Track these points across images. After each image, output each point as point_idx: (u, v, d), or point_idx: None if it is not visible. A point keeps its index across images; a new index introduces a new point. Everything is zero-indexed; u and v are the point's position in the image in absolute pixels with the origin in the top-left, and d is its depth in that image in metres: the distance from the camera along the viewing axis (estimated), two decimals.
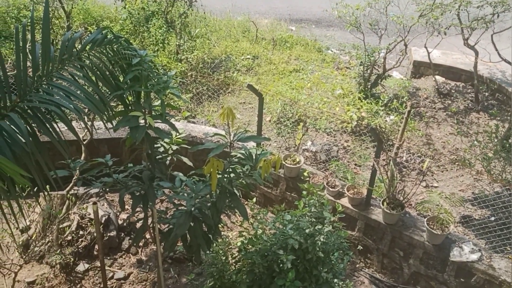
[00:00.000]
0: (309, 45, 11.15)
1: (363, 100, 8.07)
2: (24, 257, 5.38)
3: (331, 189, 5.98)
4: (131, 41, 3.84)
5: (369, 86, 8.62)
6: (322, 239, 4.32)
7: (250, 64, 9.92)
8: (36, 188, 3.29)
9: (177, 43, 9.38)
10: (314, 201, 4.67)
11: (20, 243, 5.53)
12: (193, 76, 8.80)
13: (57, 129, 3.36)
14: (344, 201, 5.99)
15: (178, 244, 4.67)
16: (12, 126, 3.07)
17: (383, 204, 5.65)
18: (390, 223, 5.65)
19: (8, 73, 3.35)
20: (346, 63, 10.42)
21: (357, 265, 6.06)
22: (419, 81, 9.68)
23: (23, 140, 3.07)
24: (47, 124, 3.30)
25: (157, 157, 4.35)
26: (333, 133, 7.88)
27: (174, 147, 4.68)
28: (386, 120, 7.86)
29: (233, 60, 9.99)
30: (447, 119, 8.44)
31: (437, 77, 9.49)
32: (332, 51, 11.21)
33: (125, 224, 6.09)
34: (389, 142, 7.34)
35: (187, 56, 9.21)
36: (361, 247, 5.98)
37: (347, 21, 8.60)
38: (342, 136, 7.85)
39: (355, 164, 7.34)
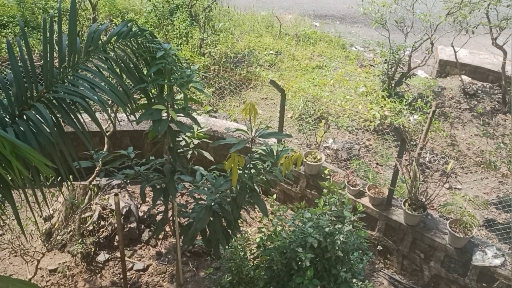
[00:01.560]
0: (333, 41, 11.05)
1: (387, 99, 7.96)
2: (46, 245, 5.47)
3: (352, 188, 5.92)
4: (155, 34, 3.84)
5: (393, 85, 8.50)
6: (341, 238, 4.28)
7: (272, 59, 9.88)
8: (59, 177, 3.33)
9: (201, 37, 9.39)
10: (335, 199, 4.63)
11: (43, 231, 5.62)
12: (215, 70, 8.81)
13: (81, 120, 3.40)
14: (365, 201, 5.92)
15: (197, 238, 4.68)
16: (38, 116, 3.11)
17: (404, 205, 5.57)
18: (411, 225, 5.56)
19: (35, 64, 3.39)
20: (370, 60, 10.29)
21: (376, 266, 5.99)
22: (444, 80, 9.50)
23: (48, 130, 3.11)
24: (71, 115, 3.34)
25: (179, 150, 4.36)
26: (355, 131, 7.80)
27: (196, 141, 4.69)
28: (409, 120, 7.74)
29: (256, 55, 9.96)
30: (472, 120, 8.26)
31: (464, 77, 9.29)
32: (356, 48, 11.09)
33: (145, 216, 6.14)
34: (412, 142, 7.22)
35: (210, 50, 9.22)
36: (381, 248, 5.91)
37: (372, 18, 8.49)
38: (364, 135, 7.77)
39: (377, 163, 7.26)
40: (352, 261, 4.48)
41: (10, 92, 3.21)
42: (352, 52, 10.71)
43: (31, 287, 2.90)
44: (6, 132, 2.76)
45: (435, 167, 7.08)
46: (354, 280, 4.34)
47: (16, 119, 3.16)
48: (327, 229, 4.31)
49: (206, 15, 9.52)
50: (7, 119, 3.14)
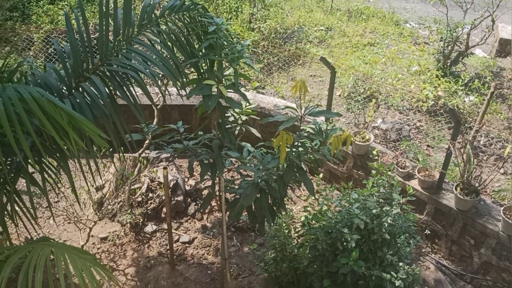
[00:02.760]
0: (386, 17, 10.66)
1: (441, 79, 7.63)
2: (98, 214, 5.68)
3: (400, 169, 5.77)
4: (207, 8, 3.81)
5: (448, 64, 8.14)
6: (389, 221, 4.20)
7: (322, 35, 9.67)
8: (111, 149, 3.41)
9: (251, 11, 9.30)
10: (384, 181, 4.52)
11: (95, 200, 5.84)
12: (264, 46, 8.72)
13: (134, 93, 3.45)
14: (414, 183, 5.77)
15: (242, 213, 4.72)
16: (93, 88, 3.18)
17: (456, 189, 5.38)
18: (462, 209, 5.38)
19: (91, 37, 3.45)
20: (425, 38, 9.88)
21: (423, 250, 5.86)
22: (504, 60, 9.00)
23: (103, 103, 3.18)
24: (124, 88, 3.40)
25: (227, 126, 4.36)
26: (406, 112, 7.56)
27: (244, 118, 4.68)
28: (464, 101, 7.41)
29: (306, 31, 9.77)
30: None
31: None
32: (410, 25, 10.66)
33: (192, 190, 6.25)
34: (467, 124, 6.92)
35: (259, 25, 9.12)
36: (429, 232, 5.76)
37: None
38: (415, 115, 7.52)
39: (427, 146, 7.03)
40: (399, 244, 4.39)
41: (67, 64, 3.29)
42: (406, 29, 10.31)
43: (84, 255, 3.01)
44: (63, 103, 2.84)
45: (491, 151, 6.77)
46: (401, 264, 4.26)
47: (73, 91, 3.24)
48: (374, 211, 4.23)
49: None
50: (64, 91, 3.23)
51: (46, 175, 3.26)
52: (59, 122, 2.59)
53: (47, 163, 3.29)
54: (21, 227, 3.42)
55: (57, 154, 3.20)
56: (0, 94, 2.44)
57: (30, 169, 3.17)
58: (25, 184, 5.53)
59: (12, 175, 3.19)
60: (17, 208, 3.33)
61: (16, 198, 3.27)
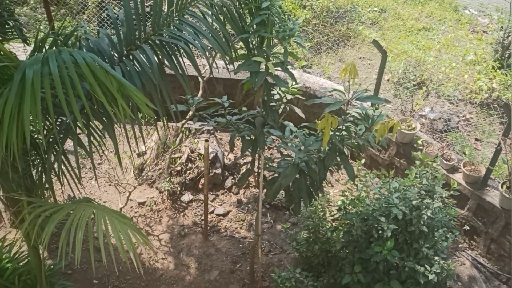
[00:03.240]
0: (445, 2, 10.21)
1: (497, 70, 7.29)
2: (138, 179, 5.82)
3: (445, 162, 5.60)
4: None
5: (506, 55, 7.76)
6: (429, 214, 4.10)
7: (376, 17, 9.39)
8: (155, 117, 3.45)
9: None
10: (427, 173, 4.40)
11: (136, 166, 5.98)
12: (315, 24, 8.55)
13: (182, 64, 3.46)
14: (458, 177, 5.59)
15: (279, 192, 4.72)
16: (143, 57, 3.21)
17: (502, 187, 5.19)
18: (506, 208, 5.19)
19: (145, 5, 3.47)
20: (484, 26, 9.42)
21: (460, 245, 5.72)
22: None
23: (152, 72, 3.21)
24: (174, 59, 3.41)
25: (271, 104, 4.33)
26: (457, 102, 7.29)
27: (289, 97, 4.64)
28: None
29: (359, 11, 9.51)
30: None
31: None
32: (470, 11, 10.18)
33: (231, 164, 6.30)
34: None
35: (312, 2, 8.93)
36: (468, 228, 5.60)
37: None
38: (466, 107, 7.25)
39: (476, 139, 6.78)
40: (436, 238, 4.29)
41: (120, 31, 3.32)
42: (465, 15, 9.86)
43: (123, 218, 3.10)
44: (114, 69, 2.88)
45: None
46: (436, 258, 4.17)
47: (123, 58, 3.28)
48: (414, 202, 4.13)
49: None
50: (115, 57, 3.28)
51: (92, 138, 3.35)
52: (109, 88, 2.64)
53: (94, 127, 3.38)
54: (65, 186, 3.55)
55: (104, 119, 3.28)
56: (56, 58, 2.49)
57: (78, 132, 3.26)
58: (71, 145, 5.72)
59: (61, 135, 3.29)
60: (63, 167, 3.45)
61: (63, 158, 3.39)
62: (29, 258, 4.28)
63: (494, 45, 8.02)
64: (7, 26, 4.02)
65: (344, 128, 3.87)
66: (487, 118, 7.01)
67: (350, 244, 4.37)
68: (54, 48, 2.94)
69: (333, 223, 4.77)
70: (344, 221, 4.48)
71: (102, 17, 8.36)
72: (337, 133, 3.87)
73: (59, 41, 3.13)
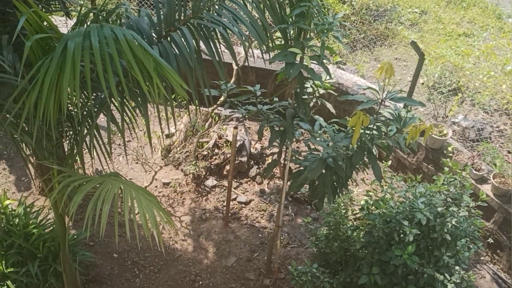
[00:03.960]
0: (489, 9, 9.94)
1: None
2: (164, 160, 5.90)
3: (475, 171, 5.49)
4: None
5: None
6: (453, 222, 4.03)
7: (416, 18, 9.21)
8: (187, 100, 3.48)
9: None
10: (456, 181, 4.32)
11: (164, 146, 6.05)
12: (354, 21, 8.44)
13: (219, 50, 3.47)
14: (486, 188, 5.48)
15: (303, 186, 4.71)
16: (182, 39, 3.23)
17: None
18: None
19: None
20: None
21: (482, 258, 5.61)
22: None
23: (189, 55, 3.23)
24: (211, 43, 3.43)
25: (303, 97, 4.31)
26: (491, 112, 7.12)
27: (322, 91, 4.60)
28: None
29: (399, 11, 9.33)
30: None
31: None
32: None
33: (257, 153, 6.31)
34: None
35: None
36: (492, 241, 5.49)
37: None
38: (501, 118, 7.06)
39: (508, 151, 6.61)
40: (458, 247, 4.22)
41: (161, 12, 3.35)
42: (508, 24, 9.57)
43: (149, 196, 3.15)
44: (152, 49, 2.91)
45: None
46: (457, 267, 4.11)
47: (162, 39, 3.31)
48: (439, 209, 4.07)
49: None
50: (154, 38, 3.32)
51: (124, 116, 3.40)
52: (146, 67, 2.67)
53: (128, 104, 3.43)
54: (94, 159, 3.63)
55: (138, 97, 3.32)
56: (98, 32, 2.53)
57: (111, 108, 3.32)
58: (103, 120, 5.82)
59: (95, 110, 3.35)
60: (94, 141, 3.52)
61: (95, 132, 3.45)
62: (54, 226, 4.41)
63: None
64: None
65: (375, 127, 3.83)
66: None
67: (370, 244, 4.33)
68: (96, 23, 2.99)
69: (355, 222, 4.74)
70: (366, 221, 4.44)
71: None
72: (367, 132, 3.83)
73: (100, 17, 3.18)
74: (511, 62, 7.73)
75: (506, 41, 8.70)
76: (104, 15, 3.18)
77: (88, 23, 3.06)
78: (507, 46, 8.44)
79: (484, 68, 7.38)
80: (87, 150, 3.53)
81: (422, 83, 7.51)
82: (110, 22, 3.20)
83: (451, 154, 5.80)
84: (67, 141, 3.46)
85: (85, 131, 3.37)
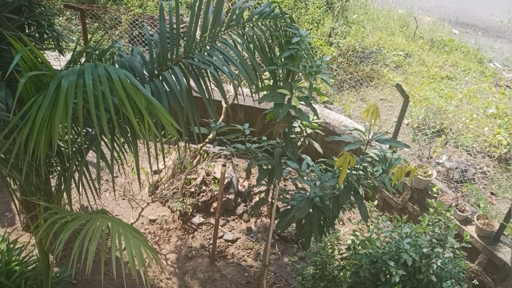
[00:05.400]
0: (470, 53, 10.31)
1: None
2: (152, 196, 5.87)
3: (459, 212, 5.56)
4: (294, 19, 3.86)
5: None
6: (439, 263, 4.05)
7: (400, 61, 9.49)
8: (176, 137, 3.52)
9: (332, 25, 9.28)
10: (441, 222, 4.37)
11: (151, 183, 6.04)
12: (340, 62, 8.68)
13: (209, 89, 3.54)
14: (470, 229, 5.53)
15: (291, 225, 4.72)
16: (173, 78, 3.30)
17: None
18: None
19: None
20: (508, 81, 9.46)
21: None
22: None
23: (180, 94, 3.29)
24: (202, 82, 3.50)
25: (291, 136, 4.38)
26: (474, 154, 7.27)
27: (309, 131, 4.68)
28: None
29: (384, 54, 9.63)
30: None
31: None
32: (494, 65, 10.24)
33: (245, 191, 6.32)
34: None
35: (338, 40, 9.09)
36: (477, 282, 5.49)
37: None
38: (483, 159, 7.21)
39: (492, 193, 6.72)
40: None
41: (154, 51, 3.43)
42: (489, 68, 9.92)
43: (137, 234, 3.14)
44: (144, 87, 2.97)
45: None
46: None
47: (154, 78, 3.38)
48: (425, 250, 4.10)
49: (342, 4, 9.37)
50: (146, 76, 3.38)
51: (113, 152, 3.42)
52: (138, 105, 2.72)
53: (117, 141, 3.46)
54: (81, 195, 3.61)
55: (129, 134, 3.36)
56: (92, 71, 2.59)
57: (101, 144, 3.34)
58: (91, 156, 5.81)
59: (85, 146, 3.37)
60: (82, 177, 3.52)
61: (84, 169, 3.46)
62: (37, 263, 4.32)
63: None
64: (45, 36, 4.19)
65: (361, 168, 3.89)
66: (505, 173, 6.95)
67: (356, 285, 4.32)
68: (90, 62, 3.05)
69: (341, 262, 4.73)
70: (353, 261, 4.44)
71: (134, 34, 8.60)
72: (354, 172, 3.89)
73: (94, 56, 3.25)
74: (492, 105, 7.96)
75: (487, 85, 8.99)
76: (98, 53, 3.25)
77: (82, 61, 3.11)
78: (489, 90, 8.71)
79: (466, 111, 7.59)
80: (74, 186, 3.51)
81: (407, 124, 7.67)
82: (104, 61, 3.27)
83: (436, 195, 5.87)
84: (55, 177, 3.45)
85: (74, 167, 3.38)
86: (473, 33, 11.91)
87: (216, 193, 5.96)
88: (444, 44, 10.51)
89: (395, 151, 4.33)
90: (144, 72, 3.43)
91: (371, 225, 4.71)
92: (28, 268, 4.41)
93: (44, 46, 4.15)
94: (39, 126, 2.59)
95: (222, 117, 5.95)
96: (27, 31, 3.93)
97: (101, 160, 3.42)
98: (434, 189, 5.92)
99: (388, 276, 4.10)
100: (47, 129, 2.68)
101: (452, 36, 11.17)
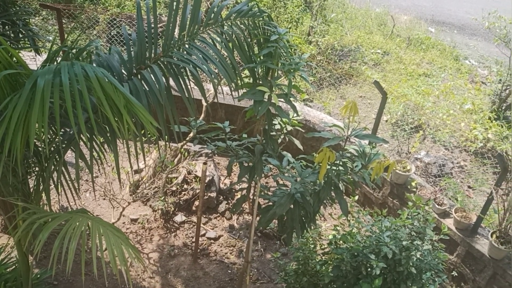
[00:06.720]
0: (446, 51, 10.49)
1: (493, 121, 7.44)
2: (133, 195, 5.84)
3: (437, 206, 5.66)
4: (272, 17, 3.88)
5: (503, 108, 7.93)
6: (418, 255, 4.13)
7: (378, 59, 9.61)
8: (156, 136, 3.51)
9: (311, 24, 9.34)
10: (419, 215, 4.45)
11: (132, 182, 6.00)
12: (320, 60, 8.74)
13: (189, 87, 3.55)
14: (449, 222, 5.64)
15: (272, 221, 4.75)
16: (152, 77, 3.30)
17: (491, 236, 5.23)
18: (495, 258, 5.22)
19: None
20: (483, 77, 9.65)
21: None
22: None
23: (159, 92, 3.28)
24: (181, 81, 3.50)
25: (272, 133, 4.41)
26: (452, 149, 7.41)
27: (289, 128, 4.72)
28: None
29: (362, 52, 9.73)
30: None
31: None
32: (470, 62, 10.44)
33: (226, 189, 6.33)
34: None
35: (317, 39, 9.16)
36: (456, 274, 5.62)
37: (496, 33, 7.93)
38: (460, 154, 7.36)
39: (469, 187, 6.86)
40: (423, 280, 4.31)
41: (132, 50, 3.42)
42: (465, 65, 10.11)
43: (118, 233, 3.12)
44: (122, 86, 2.95)
45: None
46: None
47: (132, 76, 3.37)
48: (404, 243, 4.17)
49: (320, 3, 9.44)
50: (124, 75, 3.37)
51: (93, 152, 3.40)
52: (117, 104, 2.71)
53: (96, 140, 3.44)
54: (60, 195, 3.57)
55: (108, 134, 3.34)
56: (68, 70, 2.57)
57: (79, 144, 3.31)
58: (69, 156, 5.75)
59: (64, 146, 3.34)
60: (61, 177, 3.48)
61: (63, 169, 3.43)
62: (17, 265, 4.27)
63: (491, 96, 8.20)
64: (20, 35, 4.14)
65: (341, 163, 3.94)
66: (481, 167, 7.10)
67: (338, 279, 4.37)
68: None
69: (323, 257, 4.78)
70: (334, 256, 4.49)
71: (112, 34, 8.52)
72: (334, 168, 3.93)
73: (71, 54, 3.22)
74: (468, 101, 8.12)
75: (463, 81, 9.16)
76: (75, 52, 3.22)
77: (59, 60, 3.09)
78: (465, 86, 8.88)
79: (443, 107, 7.73)
80: (53, 186, 3.48)
81: (386, 121, 7.78)
82: (81, 60, 3.24)
83: (414, 189, 5.98)
84: (33, 177, 3.41)
85: (52, 167, 3.34)
86: (449, 31, 12.12)
87: (197, 191, 5.96)
88: (421, 42, 10.67)
89: (374, 147, 4.40)
90: (123, 71, 3.41)
91: (352, 219, 4.77)
92: (8, 270, 4.34)
93: (19, 46, 4.09)
94: (15, 125, 2.56)
95: (202, 115, 5.95)
96: (1, 30, 3.88)
97: (80, 160, 3.40)
98: (413, 184, 6.02)
99: (369, 269, 4.15)
100: (23, 128, 2.65)
101: (428, 34, 11.34)
